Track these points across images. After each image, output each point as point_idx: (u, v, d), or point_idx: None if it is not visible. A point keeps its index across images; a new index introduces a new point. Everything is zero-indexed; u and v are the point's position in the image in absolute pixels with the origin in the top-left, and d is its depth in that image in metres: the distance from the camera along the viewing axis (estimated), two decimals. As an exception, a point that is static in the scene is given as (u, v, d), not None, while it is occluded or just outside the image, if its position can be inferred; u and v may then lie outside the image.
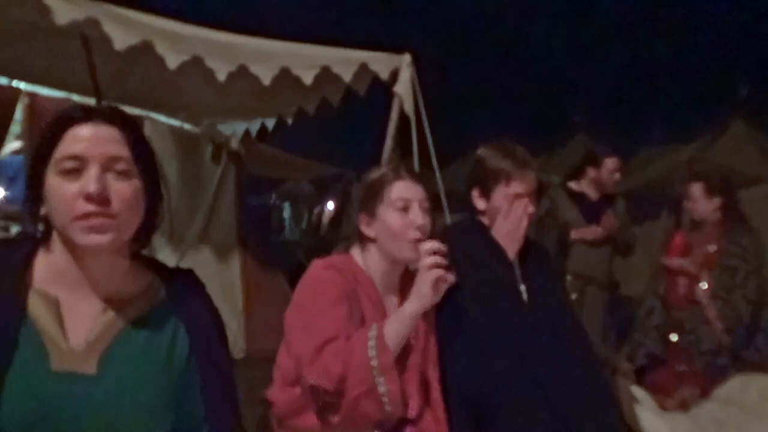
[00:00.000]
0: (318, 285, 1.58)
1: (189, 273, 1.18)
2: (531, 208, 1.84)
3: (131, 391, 1.01)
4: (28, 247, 1.04)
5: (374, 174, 1.67)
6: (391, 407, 1.44)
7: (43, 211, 1.01)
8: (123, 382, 1.01)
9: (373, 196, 1.63)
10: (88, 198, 0.96)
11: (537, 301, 1.87)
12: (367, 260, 1.66)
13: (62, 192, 0.97)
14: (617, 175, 3.72)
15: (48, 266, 1.03)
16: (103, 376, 1.00)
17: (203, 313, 1.14)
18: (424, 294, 1.46)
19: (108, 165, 0.99)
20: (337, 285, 1.56)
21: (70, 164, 0.97)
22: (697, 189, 3.01)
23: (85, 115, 1.01)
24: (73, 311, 1.01)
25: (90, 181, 0.96)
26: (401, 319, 1.48)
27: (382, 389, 1.41)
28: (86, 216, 0.96)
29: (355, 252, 1.69)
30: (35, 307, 0.99)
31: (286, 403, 1.60)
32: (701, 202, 3.00)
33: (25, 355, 0.96)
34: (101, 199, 0.96)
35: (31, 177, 1.01)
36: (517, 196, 1.83)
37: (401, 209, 1.60)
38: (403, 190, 1.61)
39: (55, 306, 1.00)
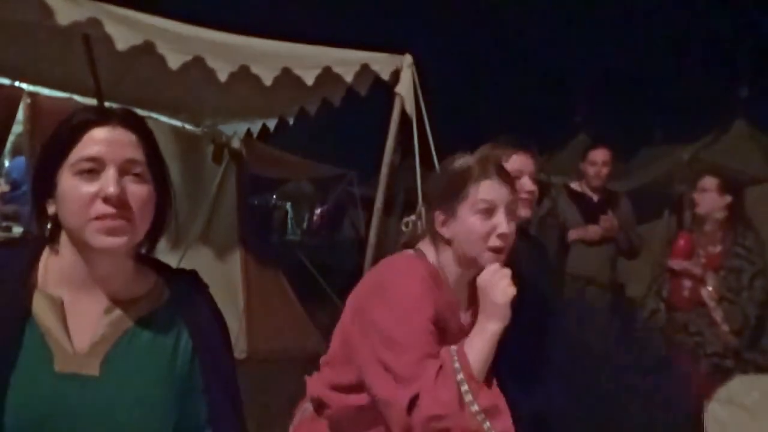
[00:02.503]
0: (403, 295, 1.39)
1: (193, 274, 1.18)
2: (530, 186, 1.84)
3: (134, 392, 1.01)
4: (32, 247, 1.04)
5: (456, 165, 1.47)
6: (488, 420, 1.31)
7: (51, 210, 1.01)
8: (126, 383, 1.01)
9: (453, 192, 1.44)
10: (107, 200, 0.96)
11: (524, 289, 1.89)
12: (442, 263, 1.49)
13: (79, 193, 0.97)
14: (605, 170, 3.67)
15: (53, 267, 1.03)
16: (107, 378, 1.00)
17: (207, 315, 1.14)
18: (505, 313, 1.36)
19: (125, 168, 0.99)
20: (426, 297, 1.39)
21: (87, 165, 0.98)
22: (711, 183, 3.00)
23: (104, 117, 1.01)
24: (77, 312, 1.02)
25: (109, 182, 0.96)
26: (487, 340, 1.36)
27: (475, 407, 1.30)
28: (103, 217, 0.97)
29: (429, 252, 1.51)
30: (39, 308, 0.99)
31: (342, 409, 1.49)
32: (712, 197, 2.99)
33: (30, 356, 0.96)
34: (119, 201, 0.97)
35: (42, 176, 1.01)
36: (519, 172, 1.79)
37: (484, 212, 1.42)
38: (489, 190, 1.42)
39: (59, 307, 1.00)
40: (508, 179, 1.46)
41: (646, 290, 3.26)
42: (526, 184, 1.85)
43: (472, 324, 1.45)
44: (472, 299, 1.50)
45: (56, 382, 0.96)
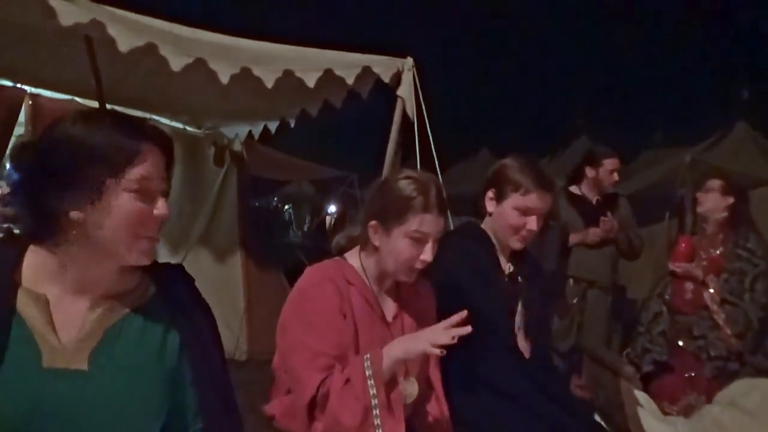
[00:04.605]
0: (310, 300, 1.54)
1: (178, 268, 1.19)
2: (535, 227, 1.85)
3: (124, 385, 1.02)
4: (15, 246, 1.04)
5: (402, 189, 1.55)
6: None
7: (78, 217, 0.99)
8: (115, 376, 1.02)
9: (393, 213, 1.54)
10: (158, 220, 1.03)
11: (522, 311, 1.92)
12: (366, 263, 1.63)
13: (135, 211, 1.01)
14: (615, 176, 3.69)
15: (38, 265, 1.03)
16: (95, 372, 1.00)
17: (193, 307, 1.15)
18: (415, 354, 1.47)
19: (164, 189, 1.06)
20: (330, 299, 1.52)
21: (144, 185, 1.01)
22: (715, 184, 3.01)
23: (160, 137, 1.06)
24: (62, 308, 1.02)
25: (163, 204, 1.03)
26: (388, 362, 1.45)
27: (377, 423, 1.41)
28: (150, 238, 1.03)
29: (353, 253, 1.66)
30: (24, 305, 1.00)
31: (285, 412, 1.57)
32: (715, 197, 2.99)
33: (16, 354, 0.96)
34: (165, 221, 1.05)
35: (84, 179, 0.98)
36: (529, 210, 1.84)
37: (416, 240, 1.53)
38: (426, 224, 1.53)
39: (44, 304, 1.01)
40: (445, 211, 1.57)
41: (648, 293, 3.25)
42: (531, 224, 1.85)
43: (397, 317, 1.63)
44: (397, 295, 1.66)
45: (44, 378, 0.97)
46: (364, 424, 1.38)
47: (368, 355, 1.45)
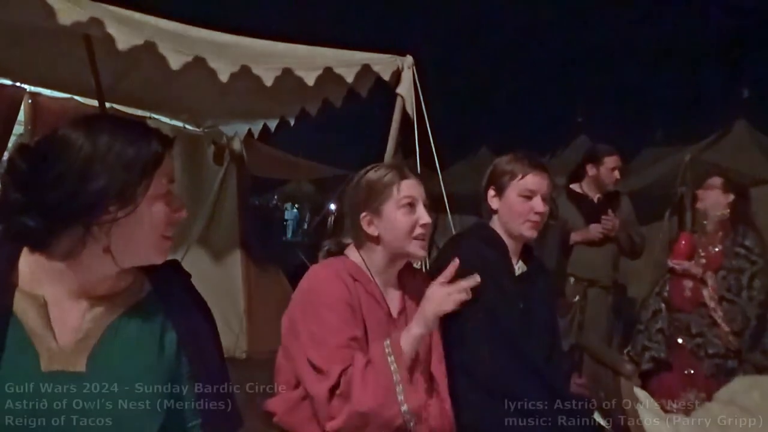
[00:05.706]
0: (320, 297, 1.56)
1: (173, 264, 1.18)
2: (542, 207, 1.88)
3: (122, 385, 1.01)
4: (10, 247, 1.02)
5: (376, 174, 1.67)
6: (414, 421, 1.45)
7: (105, 227, 0.98)
8: (114, 377, 1.01)
9: (377, 195, 1.63)
10: (177, 219, 1.06)
11: (532, 312, 1.93)
12: (367, 258, 1.66)
13: (161, 211, 1.02)
14: (617, 174, 3.68)
15: (34, 265, 1.01)
16: (94, 373, 1.00)
17: (189, 303, 1.15)
18: (431, 322, 1.52)
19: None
20: (340, 295, 1.55)
21: (169, 188, 1.04)
22: (717, 181, 3.02)
23: (167, 138, 1.06)
24: (59, 310, 1.01)
25: (182, 204, 1.06)
26: (410, 342, 1.51)
27: (404, 407, 1.43)
28: (170, 238, 1.06)
29: (352, 251, 1.69)
30: (21, 307, 0.98)
31: (287, 408, 1.58)
32: (715, 194, 3.00)
33: (14, 357, 0.95)
34: None
35: (128, 186, 0.97)
36: (531, 192, 1.88)
37: (407, 207, 1.62)
38: (409, 188, 1.63)
39: (42, 306, 1.00)
40: (420, 179, 1.68)
41: (648, 291, 3.25)
42: (537, 205, 1.88)
43: (402, 312, 1.66)
44: (401, 290, 1.71)
45: (43, 381, 0.96)
46: (388, 401, 1.41)
47: (388, 341, 1.50)
